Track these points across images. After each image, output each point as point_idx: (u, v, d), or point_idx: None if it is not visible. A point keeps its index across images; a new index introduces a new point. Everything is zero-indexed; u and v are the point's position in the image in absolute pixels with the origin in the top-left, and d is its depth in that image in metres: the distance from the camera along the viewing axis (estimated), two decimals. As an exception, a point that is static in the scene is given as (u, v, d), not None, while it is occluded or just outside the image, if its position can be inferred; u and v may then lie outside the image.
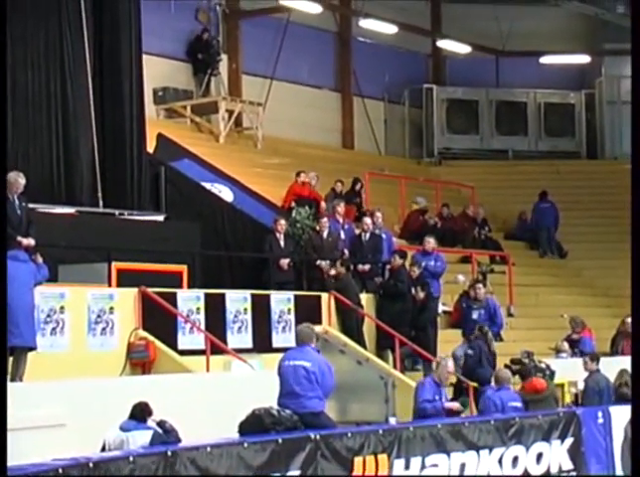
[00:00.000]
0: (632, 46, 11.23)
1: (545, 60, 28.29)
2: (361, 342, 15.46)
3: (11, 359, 11.28)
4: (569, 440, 11.63)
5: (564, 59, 28.46)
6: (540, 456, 11.21)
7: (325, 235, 16.89)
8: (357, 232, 17.77)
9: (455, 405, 12.16)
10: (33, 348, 11.41)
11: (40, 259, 11.77)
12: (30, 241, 12.11)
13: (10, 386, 10.86)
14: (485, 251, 21.74)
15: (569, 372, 14.75)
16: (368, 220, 17.62)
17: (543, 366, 14.80)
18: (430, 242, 17.74)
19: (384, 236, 17.93)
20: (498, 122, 28.33)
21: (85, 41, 15.42)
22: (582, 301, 21.58)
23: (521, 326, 19.67)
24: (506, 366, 14.51)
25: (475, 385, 14.87)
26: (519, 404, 12.30)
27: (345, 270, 16.19)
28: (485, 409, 12.41)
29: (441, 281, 18.07)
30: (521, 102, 28.57)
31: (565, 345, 16.73)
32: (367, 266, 16.96)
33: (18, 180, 12.33)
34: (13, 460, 8.43)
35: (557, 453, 11.47)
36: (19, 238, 12.01)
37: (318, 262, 16.46)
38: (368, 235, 17.34)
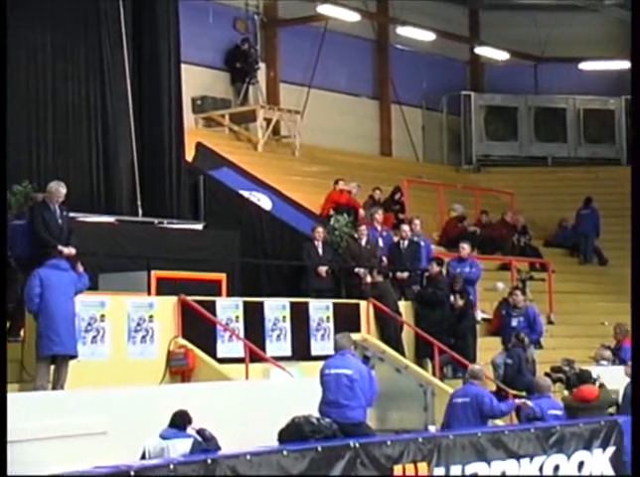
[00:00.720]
0: (632, 46, 11.11)
1: (584, 66, 28.13)
2: (400, 350, 15.42)
3: (52, 367, 11.38)
4: (611, 449, 11.51)
5: (604, 65, 28.27)
6: (581, 465, 11.10)
7: (364, 242, 16.88)
8: (395, 239, 17.74)
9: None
10: (74, 356, 11.50)
11: (81, 268, 11.86)
12: (71, 250, 12.21)
13: (52, 394, 10.97)
14: (525, 259, 21.63)
15: (610, 380, 14.60)
16: (406, 227, 17.59)
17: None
18: (465, 249, 17.68)
19: (422, 243, 17.87)
20: (537, 129, 28.18)
21: (125, 51, 15.55)
22: (623, 308, 21.27)
23: (561, 334, 19.54)
24: (546, 374, 14.41)
25: (515, 393, 14.78)
26: (559, 413, 12.20)
27: (382, 278, 16.16)
28: (522, 418, 12.33)
29: (478, 288, 18.02)
30: (560, 109, 28.40)
31: (607, 353, 16.58)
32: (405, 274, 16.93)
33: (59, 189, 12.45)
34: (55, 468, 8.50)
35: (598, 462, 11.36)
36: (60, 247, 12.12)
37: (356, 270, 16.44)
38: (406, 242, 17.30)
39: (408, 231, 17.45)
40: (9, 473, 8.28)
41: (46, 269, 11.47)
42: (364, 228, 17.04)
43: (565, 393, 14.82)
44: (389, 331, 15.57)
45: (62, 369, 11.38)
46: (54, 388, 11.26)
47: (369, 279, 16.08)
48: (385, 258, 17.16)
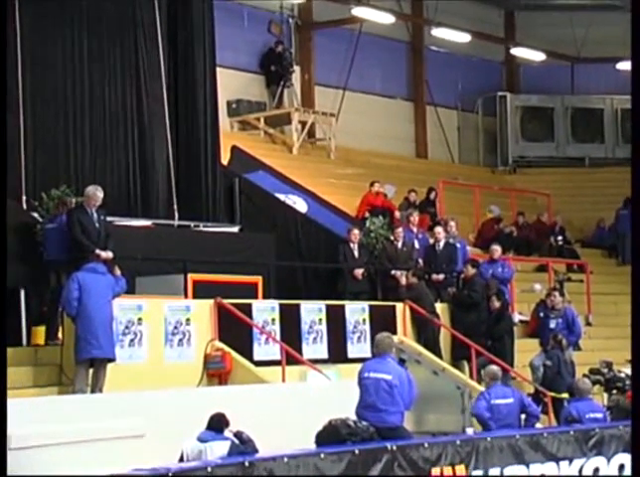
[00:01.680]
0: (632, 45, 10.99)
1: (621, 66, 27.89)
2: (437, 352, 15.36)
3: (91, 370, 11.44)
4: (652, 451, 11.37)
5: (641, 64, 28.03)
6: (621, 467, 10.99)
7: (400, 244, 16.83)
8: (431, 241, 17.68)
9: None
10: (112, 359, 11.55)
11: (118, 272, 11.92)
12: (108, 254, 12.28)
13: (90, 397, 11.03)
14: (562, 260, 21.50)
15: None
16: (439, 228, 17.50)
17: (622, 375, 14.55)
18: (498, 251, 17.63)
19: (458, 245, 17.80)
20: (574, 129, 28.02)
21: (160, 55, 15.63)
22: (663, 310, 21.16)
23: (599, 335, 19.39)
24: (584, 376, 14.30)
25: (554, 395, 14.69)
26: (599, 415, 12.09)
27: (417, 280, 16.11)
28: (561, 421, 12.26)
29: (515, 290, 17.98)
30: (597, 109, 28.23)
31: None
32: (441, 276, 16.86)
33: (96, 193, 12.53)
34: (93, 471, 8.54)
35: (638, 465, 11.24)
36: (97, 251, 12.19)
37: (393, 272, 16.40)
38: (442, 244, 17.23)
39: (442, 232, 17.38)
40: None
41: (84, 273, 11.55)
42: (400, 230, 16.99)
43: (605, 395, 14.71)
44: (426, 333, 15.52)
45: (100, 372, 11.44)
46: (92, 391, 11.32)
47: (403, 281, 16.03)
48: (420, 260, 17.11)
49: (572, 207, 25.12)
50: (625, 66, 27.83)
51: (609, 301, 21.06)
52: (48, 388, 11.49)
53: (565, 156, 27.98)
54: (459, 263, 17.24)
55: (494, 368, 12.78)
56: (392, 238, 16.93)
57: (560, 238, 22.55)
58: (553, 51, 27.43)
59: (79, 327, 11.36)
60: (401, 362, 11.26)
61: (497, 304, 16.07)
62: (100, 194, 12.53)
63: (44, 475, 9.10)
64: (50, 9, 14.62)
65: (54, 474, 9.14)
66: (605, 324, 20.06)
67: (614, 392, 14.65)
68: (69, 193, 13.43)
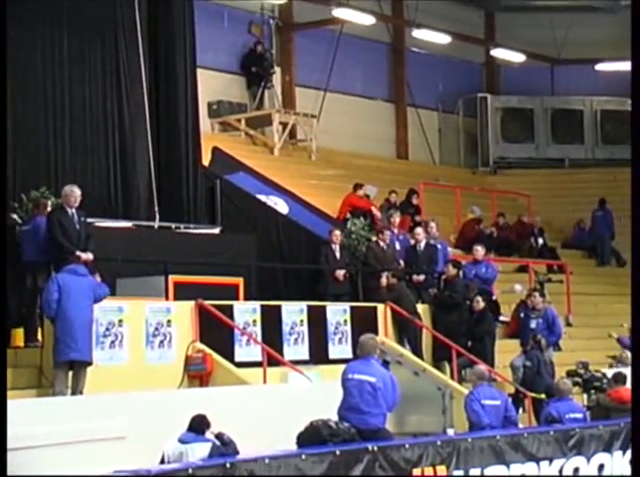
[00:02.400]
0: (632, 45, 11.06)
1: (601, 67, 28.04)
2: (418, 353, 15.39)
3: (71, 373, 11.40)
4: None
5: (621, 65, 28.12)
6: (601, 467, 11.05)
7: (384, 246, 16.85)
8: (412, 242, 17.71)
9: None
10: (89, 363, 11.50)
11: (99, 279, 11.89)
12: (88, 256, 12.23)
13: (70, 399, 11.00)
14: (542, 261, 21.58)
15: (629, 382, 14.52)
16: (419, 230, 17.54)
17: (599, 375, 14.63)
18: (480, 251, 17.67)
19: (439, 246, 17.84)
20: (554, 131, 28.11)
21: (141, 56, 15.59)
22: (642, 310, 21.24)
23: (580, 336, 19.48)
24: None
25: (534, 395, 14.74)
26: (579, 416, 12.15)
27: (397, 281, 16.13)
28: (541, 421, 12.31)
29: (496, 291, 18.01)
30: (577, 110, 28.33)
31: (629, 355, 16.50)
32: (422, 277, 16.89)
33: (73, 190, 12.49)
34: (74, 473, 8.52)
35: (618, 464, 11.30)
36: (78, 253, 12.15)
37: (384, 274, 16.37)
38: (423, 245, 17.26)
39: (422, 233, 17.41)
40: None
41: (64, 275, 11.51)
42: (387, 232, 17.01)
43: (585, 396, 14.78)
44: (407, 334, 15.54)
45: (79, 374, 11.40)
46: (72, 393, 11.28)
47: (384, 282, 16.05)
48: (401, 261, 17.13)
49: (553, 208, 25.22)
50: (604, 67, 28.02)
51: (589, 302, 21.17)
52: (27, 390, 11.45)
53: (545, 157, 28.07)
54: (440, 264, 17.28)
55: (482, 367, 12.78)
56: (374, 239, 16.95)
57: (540, 239, 22.64)
58: (533, 52, 27.52)
59: (58, 329, 11.33)
60: (385, 364, 11.28)
61: (481, 305, 16.09)
62: (77, 191, 12.47)
63: (23, 476, 9.07)
64: (29, 10, 14.57)
65: (33, 475, 9.11)
66: (585, 324, 20.15)
67: (593, 391, 14.72)
68: (47, 195, 13.40)
